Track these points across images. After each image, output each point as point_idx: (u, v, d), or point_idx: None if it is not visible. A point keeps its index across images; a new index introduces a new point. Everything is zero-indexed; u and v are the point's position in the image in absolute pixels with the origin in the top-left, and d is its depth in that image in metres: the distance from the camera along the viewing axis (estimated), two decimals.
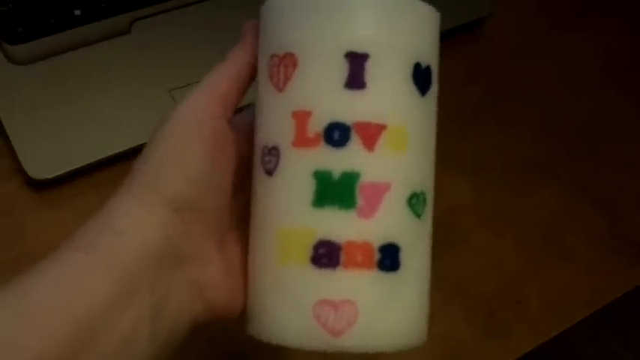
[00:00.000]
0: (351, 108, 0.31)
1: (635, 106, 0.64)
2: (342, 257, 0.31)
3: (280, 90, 0.32)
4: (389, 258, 0.32)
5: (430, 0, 0.62)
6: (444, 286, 0.50)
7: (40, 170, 0.49)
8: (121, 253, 0.30)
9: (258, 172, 0.34)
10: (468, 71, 0.63)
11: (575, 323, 0.51)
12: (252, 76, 0.34)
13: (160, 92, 0.53)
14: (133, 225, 0.31)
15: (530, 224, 0.55)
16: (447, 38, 0.61)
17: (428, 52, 0.33)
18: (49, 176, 0.49)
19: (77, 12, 0.54)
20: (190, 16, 0.57)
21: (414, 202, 0.32)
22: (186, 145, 0.32)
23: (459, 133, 0.59)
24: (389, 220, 0.32)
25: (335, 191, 0.31)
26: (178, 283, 0.32)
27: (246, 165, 0.35)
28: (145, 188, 0.32)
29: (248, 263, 0.34)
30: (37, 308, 0.28)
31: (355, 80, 0.31)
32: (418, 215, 0.33)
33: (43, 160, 0.49)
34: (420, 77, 0.33)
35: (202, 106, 0.33)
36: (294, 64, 0.32)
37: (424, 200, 0.33)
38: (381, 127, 0.31)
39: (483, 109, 0.61)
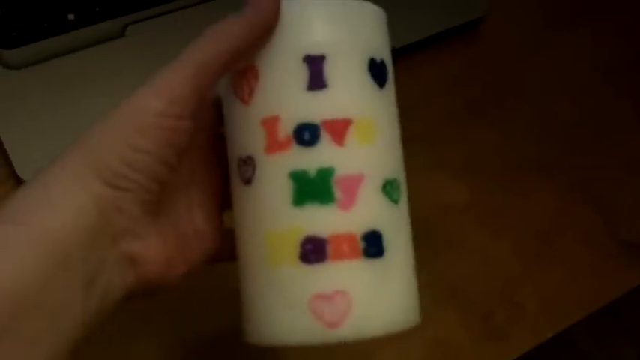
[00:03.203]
0: (317, 108, 0.33)
1: (632, 105, 0.63)
2: (329, 250, 0.32)
3: (246, 103, 0.34)
4: (373, 245, 0.33)
5: (425, 1, 0.63)
6: (440, 288, 0.50)
7: (33, 174, 0.49)
8: (53, 226, 0.30)
9: (237, 183, 0.35)
10: (464, 71, 0.63)
11: (579, 322, 0.51)
12: (209, 78, 0.33)
13: None
14: (66, 198, 0.31)
15: (526, 225, 0.55)
16: (444, 39, 0.62)
17: (380, 48, 0.35)
18: None
19: (71, 16, 0.55)
20: (184, 19, 0.57)
21: (389, 189, 0.34)
22: (128, 133, 0.32)
23: (456, 134, 0.59)
24: (368, 209, 0.33)
25: (313, 188, 0.32)
26: (111, 257, 0.32)
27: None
28: (80, 163, 0.31)
29: (238, 271, 0.35)
30: None
31: (316, 81, 0.33)
32: (394, 201, 0.34)
33: (36, 165, 0.49)
34: (377, 71, 0.34)
35: (151, 101, 0.32)
36: (256, 76, 0.33)
37: (397, 186, 0.34)
38: (347, 122, 0.33)
39: (480, 109, 0.60)
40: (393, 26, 0.37)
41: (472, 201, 0.56)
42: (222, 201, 0.37)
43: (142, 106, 0.32)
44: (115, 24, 0.55)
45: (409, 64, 0.59)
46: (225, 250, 0.36)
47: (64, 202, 0.30)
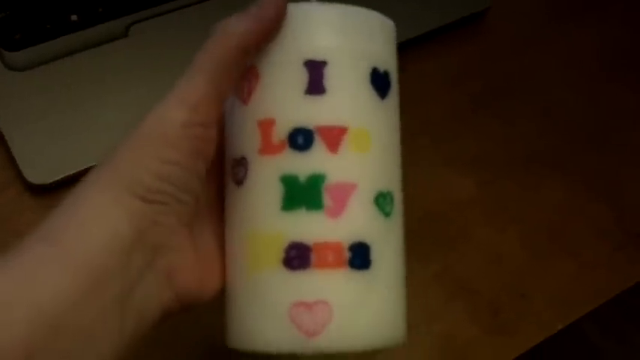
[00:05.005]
0: (313, 113, 0.32)
1: (637, 96, 0.63)
2: (313, 258, 0.32)
3: (245, 102, 0.34)
4: (359, 256, 0.32)
5: None
6: (448, 282, 0.50)
7: (39, 176, 0.49)
8: (89, 246, 0.30)
9: (229, 184, 0.35)
10: (468, 65, 0.62)
11: (588, 314, 0.51)
12: (225, 78, 0.33)
13: (157, 95, 0.52)
14: (99, 218, 0.30)
15: (534, 218, 0.55)
16: (447, 32, 0.61)
17: (385, 58, 0.35)
18: (49, 181, 0.49)
19: (74, 17, 0.55)
20: (187, 18, 0.57)
21: (381, 201, 0.33)
22: (156, 146, 0.31)
23: (461, 128, 0.58)
24: (357, 219, 0.32)
25: (302, 194, 0.32)
26: (147, 273, 0.32)
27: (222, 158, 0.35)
28: (112, 181, 0.31)
29: (226, 273, 0.35)
30: None
31: (315, 86, 0.32)
32: (387, 214, 0.33)
33: (42, 166, 0.49)
34: (379, 81, 0.34)
35: (175, 111, 0.32)
36: (257, 77, 0.33)
37: (391, 199, 0.34)
38: (342, 130, 0.32)
39: (484, 102, 0.60)
40: (395, 20, 0.37)
41: (479, 195, 0.55)
42: None
43: (167, 118, 0.32)
44: (118, 24, 0.55)
45: (412, 59, 0.58)
46: None
47: (97, 223, 0.30)
